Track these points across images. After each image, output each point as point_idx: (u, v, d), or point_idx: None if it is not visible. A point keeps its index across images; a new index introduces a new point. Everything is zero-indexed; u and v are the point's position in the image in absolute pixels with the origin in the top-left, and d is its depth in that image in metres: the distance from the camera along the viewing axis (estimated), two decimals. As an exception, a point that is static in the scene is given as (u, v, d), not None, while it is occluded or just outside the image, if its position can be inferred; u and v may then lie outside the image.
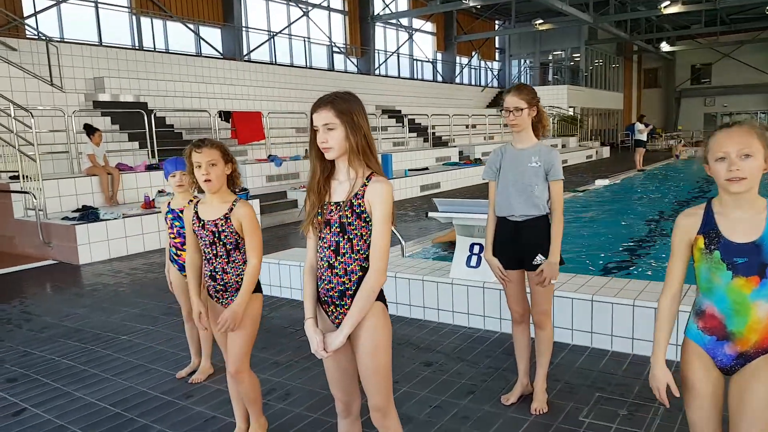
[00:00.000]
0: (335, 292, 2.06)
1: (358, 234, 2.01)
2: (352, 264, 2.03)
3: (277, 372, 3.81)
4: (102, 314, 5.28)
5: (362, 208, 2.00)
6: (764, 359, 1.84)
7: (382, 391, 2.11)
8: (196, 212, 2.71)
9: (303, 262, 5.39)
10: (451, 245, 6.90)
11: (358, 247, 2.02)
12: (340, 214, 2.01)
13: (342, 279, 2.04)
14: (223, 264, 2.66)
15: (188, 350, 4.00)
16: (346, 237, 2.01)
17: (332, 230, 2.03)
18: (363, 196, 1.99)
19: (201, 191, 2.71)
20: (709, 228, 1.87)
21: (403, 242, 5.93)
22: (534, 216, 3.01)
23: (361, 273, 2.03)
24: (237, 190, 2.76)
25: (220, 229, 2.64)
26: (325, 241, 2.05)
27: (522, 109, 2.97)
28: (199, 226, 2.68)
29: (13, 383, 3.82)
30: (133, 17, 15.95)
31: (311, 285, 2.13)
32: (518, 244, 3.06)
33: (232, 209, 2.64)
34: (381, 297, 2.09)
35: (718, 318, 1.88)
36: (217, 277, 2.68)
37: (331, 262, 2.04)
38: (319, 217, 2.05)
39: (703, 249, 1.86)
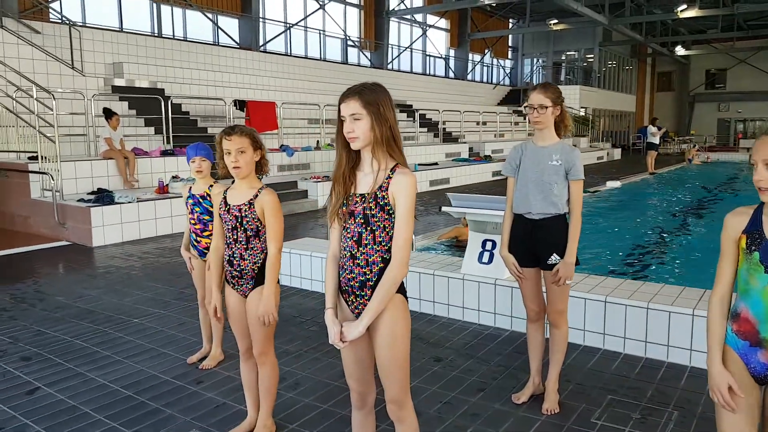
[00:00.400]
0: (356, 282, 2.07)
1: (381, 226, 2.02)
2: (373, 255, 2.04)
3: (287, 361, 3.83)
4: (114, 296, 5.33)
5: (386, 200, 2.00)
6: None
7: (399, 383, 2.11)
8: (225, 197, 2.73)
9: (313, 251, 5.43)
10: (458, 242, 6.95)
11: (381, 239, 2.03)
12: (365, 206, 2.02)
13: (363, 270, 2.05)
14: (242, 250, 2.69)
15: (200, 335, 4.03)
16: (369, 228, 2.02)
17: (356, 221, 2.04)
18: (387, 189, 2.00)
19: (229, 176, 2.73)
20: (753, 228, 1.82)
21: (413, 236, 5.94)
22: (552, 215, 3.01)
23: (382, 264, 2.04)
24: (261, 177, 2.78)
25: (243, 214, 2.67)
26: (348, 231, 2.07)
27: (546, 107, 2.97)
28: (224, 210, 2.71)
29: (27, 362, 3.86)
30: (154, 5, 16.00)
31: (333, 275, 2.14)
32: (534, 242, 3.06)
33: (257, 196, 2.67)
34: (402, 289, 2.10)
35: (752, 322, 1.82)
36: (235, 262, 2.71)
37: (353, 252, 2.06)
38: (344, 208, 2.06)
39: (745, 249, 1.82)
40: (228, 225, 2.71)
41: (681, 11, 22.92)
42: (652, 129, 17.39)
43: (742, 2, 25.00)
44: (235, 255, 2.70)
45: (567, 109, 3.15)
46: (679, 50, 33.75)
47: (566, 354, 3.31)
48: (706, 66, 37.25)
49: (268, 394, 2.87)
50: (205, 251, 3.66)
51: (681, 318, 3.67)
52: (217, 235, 2.80)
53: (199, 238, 3.68)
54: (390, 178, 2.00)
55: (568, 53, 33.32)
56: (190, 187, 3.70)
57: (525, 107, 3.17)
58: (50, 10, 13.40)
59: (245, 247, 2.69)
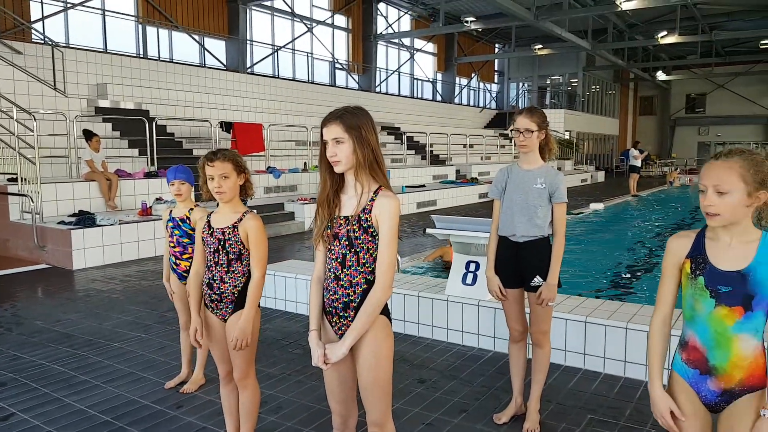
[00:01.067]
0: (339, 304, 2.08)
1: (365, 248, 2.04)
2: (357, 276, 2.05)
3: (270, 384, 3.79)
4: (94, 320, 5.25)
5: (369, 223, 2.02)
6: (749, 399, 1.76)
7: (381, 405, 2.11)
8: (209, 221, 2.72)
9: (298, 274, 5.40)
10: (444, 262, 6.97)
11: (364, 260, 2.04)
12: (348, 228, 2.04)
13: (347, 291, 2.06)
14: (222, 273, 2.67)
15: (180, 360, 3.98)
16: (353, 250, 2.04)
17: (341, 243, 2.06)
18: (371, 211, 2.02)
19: (213, 200, 2.73)
20: (697, 253, 1.81)
21: (399, 258, 5.94)
22: (536, 237, 3.04)
23: (365, 286, 2.05)
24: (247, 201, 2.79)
25: (227, 237, 2.66)
26: (333, 253, 2.09)
27: (532, 132, 3.02)
28: (208, 234, 2.70)
29: (2, 387, 3.78)
30: (139, 26, 16.05)
31: (318, 296, 2.15)
32: (518, 264, 3.09)
33: (241, 219, 2.66)
34: (385, 311, 2.11)
35: (700, 350, 1.80)
36: (214, 285, 2.69)
37: (337, 273, 2.07)
38: (329, 230, 2.08)
39: (689, 274, 1.81)
40: (210, 248, 2.69)
41: (661, 38, 23.47)
42: (634, 152, 17.66)
43: (719, 29, 25.72)
44: (215, 278, 2.68)
45: (552, 133, 3.20)
46: (660, 75, 34.51)
47: (548, 374, 3.31)
48: (686, 91, 38.09)
49: (249, 418, 2.83)
50: (185, 274, 3.63)
51: (661, 338, 3.70)
52: (197, 260, 2.78)
53: (178, 261, 3.66)
54: (373, 200, 2.02)
55: (552, 77, 33.89)
56: (171, 210, 3.68)
57: (511, 130, 3.22)
58: (32, 31, 13.38)
59: (226, 270, 2.66)
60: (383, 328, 2.08)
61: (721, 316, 1.75)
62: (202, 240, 2.73)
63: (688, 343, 1.84)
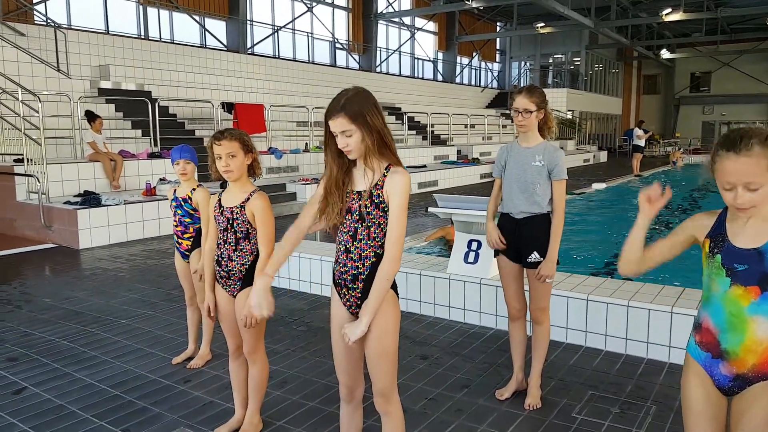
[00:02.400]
0: (348, 276, 2.13)
1: (376, 222, 2.08)
2: (367, 250, 2.10)
3: (275, 360, 3.86)
4: (101, 298, 5.33)
5: (381, 199, 2.07)
6: (764, 386, 1.70)
7: (387, 376, 2.17)
8: (220, 199, 2.76)
9: (302, 252, 5.46)
10: (446, 243, 7.02)
11: (375, 235, 2.09)
12: (360, 203, 2.08)
13: (356, 263, 2.11)
14: (230, 251, 2.72)
15: (186, 336, 4.05)
16: (364, 224, 2.09)
17: (352, 217, 2.10)
18: (382, 187, 2.06)
19: (222, 180, 2.76)
20: (717, 232, 1.76)
21: (401, 238, 5.99)
22: (534, 214, 3.08)
23: (374, 259, 2.10)
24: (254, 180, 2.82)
25: (234, 216, 2.70)
26: (344, 226, 2.13)
27: (531, 112, 3.03)
28: (218, 212, 2.74)
29: (14, 362, 3.87)
30: (140, 7, 15.94)
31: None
32: (517, 240, 3.13)
33: (248, 199, 2.69)
34: (393, 285, 2.16)
35: (713, 332, 1.76)
36: (222, 263, 2.75)
37: (347, 246, 2.12)
38: (341, 204, 2.12)
39: (708, 253, 1.77)
40: (220, 226, 2.75)
41: (666, 15, 23.21)
42: (638, 132, 17.58)
43: (725, 6, 25.40)
44: (223, 256, 2.74)
45: (553, 112, 3.22)
46: (665, 53, 34.14)
47: (549, 351, 3.38)
48: (690, 69, 37.71)
49: (257, 392, 2.91)
50: (187, 253, 3.70)
51: (660, 315, 3.76)
52: (211, 237, 2.84)
53: (180, 240, 3.72)
54: (385, 176, 2.06)
55: (555, 56, 33.60)
56: (175, 190, 3.73)
57: (509, 109, 3.23)
58: (35, 12, 13.31)
59: (234, 248, 2.72)
60: (390, 301, 2.13)
61: (737, 296, 1.70)
62: (214, 218, 2.78)
63: (701, 324, 1.81)
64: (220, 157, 2.65)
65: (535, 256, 3.08)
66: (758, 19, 27.65)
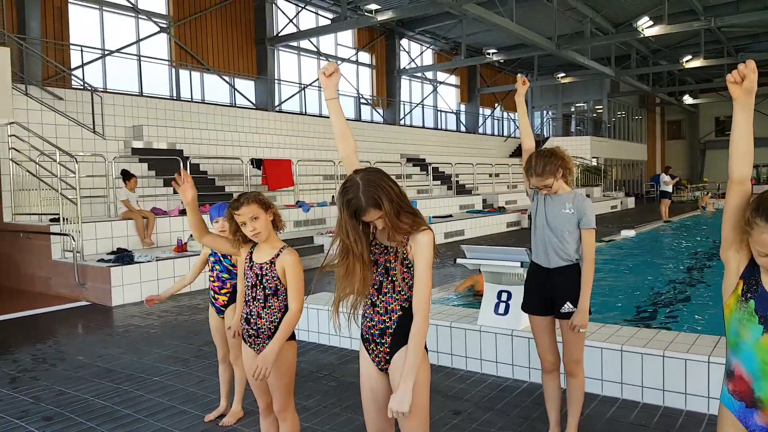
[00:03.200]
0: (376, 330, 2.17)
1: (401, 277, 2.12)
2: (392, 303, 2.13)
3: (306, 417, 3.83)
4: (134, 355, 5.39)
5: (405, 255, 2.11)
6: None
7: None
8: (251, 253, 2.80)
9: (330, 305, 5.46)
10: (475, 292, 6.97)
11: (400, 288, 2.13)
12: (386, 258, 2.13)
13: (383, 317, 2.15)
14: (259, 308, 2.71)
15: (219, 392, 4.06)
16: (389, 278, 2.13)
17: (378, 270, 2.14)
18: (406, 245, 2.11)
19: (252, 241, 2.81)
20: (750, 274, 1.72)
21: (430, 289, 5.97)
22: (565, 264, 3.09)
23: (401, 312, 2.13)
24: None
25: (264, 273, 2.71)
26: (371, 279, 2.16)
27: (551, 186, 3.09)
28: (248, 267, 2.77)
29: (49, 422, 3.91)
30: (173, 69, 16.69)
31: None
32: (549, 291, 3.12)
33: (278, 255, 2.72)
34: None
35: (746, 381, 1.70)
36: (252, 320, 2.73)
37: (373, 300, 2.16)
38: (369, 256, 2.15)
39: (740, 296, 1.72)
40: (249, 282, 2.77)
41: (686, 62, 23.36)
42: (665, 177, 17.44)
43: (746, 51, 25.50)
44: (252, 313, 2.73)
45: (566, 156, 3.19)
46: (687, 99, 34.17)
47: (584, 404, 3.30)
48: (715, 113, 37.58)
49: None
50: (222, 308, 3.75)
51: (697, 365, 3.66)
52: (241, 284, 2.88)
53: (216, 296, 3.77)
54: (409, 236, 2.10)
55: (577, 105, 33.86)
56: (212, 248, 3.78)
57: (529, 184, 3.22)
58: (72, 77, 14.02)
59: (263, 305, 2.70)
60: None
61: None
62: (244, 272, 2.83)
63: (734, 372, 1.75)
64: (245, 224, 2.68)
65: (568, 307, 3.06)
66: (781, 63, 27.64)
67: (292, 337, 2.77)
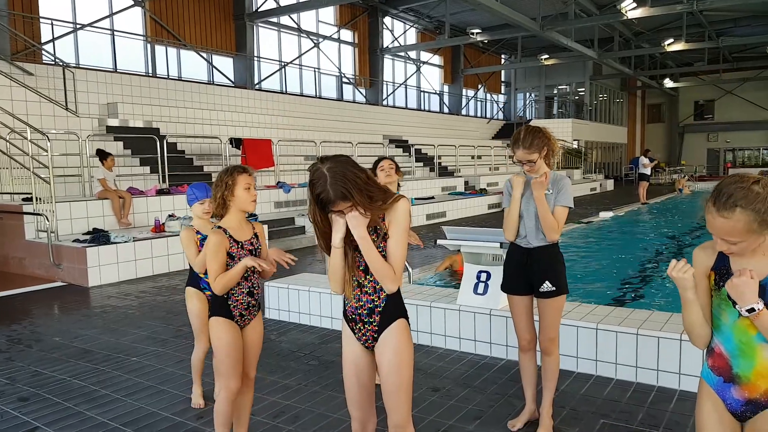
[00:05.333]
0: (364, 310, 2.19)
1: (385, 255, 2.14)
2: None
3: (286, 395, 3.85)
4: (111, 336, 5.34)
5: (385, 230, 2.14)
6: None
7: (404, 408, 2.19)
8: (231, 236, 2.81)
9: (311, 287, 5.50)
10: (453, 272, 7.03)
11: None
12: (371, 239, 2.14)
13: (371, 297, 2.18)
14: (256, 279, 2.89)
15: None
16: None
17: (361, 252, 2.14)
18: (384, 219, 2.14)
19: (219, 216, 2.86)
20: (721, 264, 1.82)
21: (410, 269, 6.00)
22: (545, 243, 3.11)
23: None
24: (247, 215, 2.94)
25: (256, 246, 2.87)
26: (356, 261, 2.18)
27: (534, 162, 3.08)
28: (238, 247, 2.81)
29: (25, 402, 3.87)
30: (148, 45, 16.32)
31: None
32: (528, 271, 3.14)
33: (253, 227, 2.90)
34: (405, 315, 2.22)
35: (725, 357, 1.81)
36: (255, 291, 2.88)
37: (360, 281, 2.18)
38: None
39: (714, 285, 1.82)
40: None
41: (668, 45, 23.49)
42: (643, 160, 17.64)
43: (726, 36, 25.73)
44: (254, 285, 2.88)
45: (552, 137, 3.19)
46: (668, 82, 34.48)
47: (560, 381, 3.36)
48: (694, 97, 38.01)
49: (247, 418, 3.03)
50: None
51: (670, 343, 3.74)
52: (221, 271, 2.82)
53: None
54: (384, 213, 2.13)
55: (559, 87, 33.96)
56: (197, 230, 3.61)
57: (513, 160, 3.23)
58: (43, 52, 13.64)
59: (258, 275, 2.87)
60: (404, 333, 2.18)
61: (746, 325, 1.75)
62: (230, 255, 2.79)
63: (714, 350, 1.86)
64: (249, 187, 2.82)
65: (547, 286, 3.10)
66: (759, 48, 27.99)
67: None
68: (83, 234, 8.35)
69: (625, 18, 19.95)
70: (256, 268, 2.76)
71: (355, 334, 2.23)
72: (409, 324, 2.24)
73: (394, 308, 2.19)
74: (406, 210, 2.12)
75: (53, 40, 14.08)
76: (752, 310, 1.67)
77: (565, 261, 3.24)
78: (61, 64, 12.50)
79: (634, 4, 19.11)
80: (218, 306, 2.83)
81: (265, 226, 9.82)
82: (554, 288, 3.10)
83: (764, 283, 1.73)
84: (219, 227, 2.82)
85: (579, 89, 32.97)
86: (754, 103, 35.34)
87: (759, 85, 34.36)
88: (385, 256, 2.12)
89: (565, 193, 3.09)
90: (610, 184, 26.41)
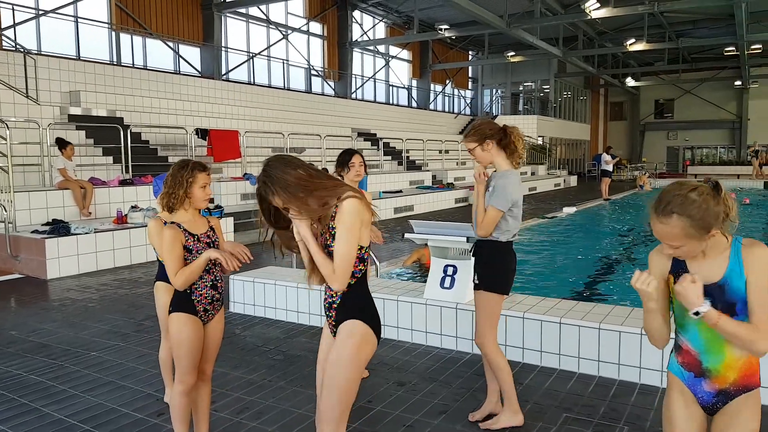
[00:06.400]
0: (326, 303, 2.27)
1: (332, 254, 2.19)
2: None
3: (250, 391, 3.82)
4: (71, 330, 5.20)
5: (336, 230, 2.17)
6: (744, 399, 1.83)
7: (329, 411, 2.14)
8: (185, 230, 2.79)
9: (277, 280, 5.45)
10: (420, 266, 7.07)
11: None
12: (324, 237, 2.20)
13: (331, 292, 2.25)
14: (218, 273, 2.88)
15: (158, 367, 3.96)
16: (331, 257, 2.16)
17: (326, 251, 2.19)
18: (334, 218, 2.17)
19: (169, 209, 2.85)
20: (678, 267, 1.88)
21: (377, 263, 6.00)
22: (486, 239, 3.20)
23: (347, 288, 2.19)
24: (213, 207, 2.96)
25: (213, 239, 2.87)
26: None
27: (473, 149, 3.20)
28: (194, 241, 2.79)
29: (-21, 398, 3.75)
30: (113, 33, 15.87)
31: None
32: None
33: (208, 221, 2.91)
34: (365, 317, 2.21)
35: (693, 354, 1.87)
36: (218, 285, 2.87)
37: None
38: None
39: (674, 287, 1.85)
40: (201, 253, 2.78)
41: (630, 45, 24.01)
42: (606, 157, 18.02)
43: (685, 37, 26.45)
44: (217, 278, 2.87)
45: (510, 134, 3.22)
46: (630, 81, 35.27)
47: (524, 375, 3.46)
48: (655, 96, 38.96)
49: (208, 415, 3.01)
50: None
51: (630, 337, 3.83)
52: (181, 265, 2.80)
53: None
54: (335, 213, 2.15)
55: (525, 84, 34.39)
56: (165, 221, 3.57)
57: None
58: (4, 38, 13.15)
59: (220, 268, 2.87)
60: (351, 333, 2.18)
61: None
62: (187, 248, 2.76)
63: (681, 347, 1.93)
64: (206, 186, 2.84)
65: (474, 279, 3.25)
66: (716, 49, 28.86)
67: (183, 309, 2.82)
68: (42, 225, 8.10)
69: (589, 17, 20.30)
70: (219, 261, 2.73)
71: (328, 324, 2.32)
72: (372, 327, 2.20)
73: (349, 306, 2.19)
74: (350, 210, 2.11)
75: (14, 25, 13.57)
76: (697, 313, 1.75)
77: (510, 262, 3.24)
78: (22, 50, 12.07)
79: (598, 4, 19.46)
80: (181, 301, 2.78)
81: (231, 219, 9.83)
82: (478, 282, 3.21)
83: (721, 283, 1.80)
84: (172, 222, 2.78)
85: (544, 86, 33.45)
86: (712, 103, 36.45)
87: (716, 85, 35.45)
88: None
89: (496, 193, 3.10)
90: (573, 180, 26.91)
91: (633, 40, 24.05)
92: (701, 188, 1.76)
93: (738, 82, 33.60)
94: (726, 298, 1.79)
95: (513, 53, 26.66)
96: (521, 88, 34.58)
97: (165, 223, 2.82)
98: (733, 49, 27.16)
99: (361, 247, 2.17)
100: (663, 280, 1.92)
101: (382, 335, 2.30)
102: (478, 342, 3.25)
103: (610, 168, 18.01)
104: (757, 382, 1.85)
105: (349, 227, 2.10)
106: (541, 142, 28.88)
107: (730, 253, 1.80)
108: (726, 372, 1.83)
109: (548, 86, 33.05)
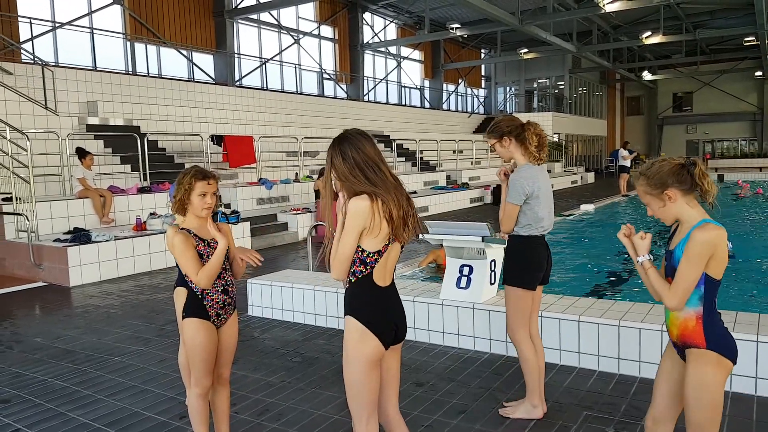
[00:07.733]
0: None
1: None
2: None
3: (270, 393, 3.85)
4: (94, 336, 5.29)
5: None
6: (690, 353, 2.16)
7: (351, 404, 2.27)
8: (195, 235, 2.80)
9: (294, 283, 5.49)
10: (437, 266, 7.07)
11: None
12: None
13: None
14: (230, 277, 2.89)
15: (179, 371, 4.01)
16: None
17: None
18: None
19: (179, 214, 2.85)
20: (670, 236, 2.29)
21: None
22: (511, 235, 3.28)
23: (347, 285, 2.29)
24: (229, 213, 2.97)
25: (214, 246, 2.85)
26: None
27: (493, 145, 3.27)
28: (204, 245, 2.80)
29: (6, 404, 3.82)
30: (128, 43, 16.10)
31: None
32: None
33: (218, 227, 2.85)
34: (356, 314, 2.24)
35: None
36: (230, 289, 2.88)
37: None
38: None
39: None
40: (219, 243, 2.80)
41: (646, 38, 23.72)
42: (623, 152, 17.84)
43: (703, 28, 26.05)
44: (228, 282, 2.87)
45: (530, 131, 3.25)
46: (646, 75, 34.83)
47: (545, 374, 3.41)
48: (672, 89, 38.45)
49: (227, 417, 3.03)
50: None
51: (651, 334, 3.80)
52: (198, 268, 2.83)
53: None
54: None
55: (539, 81, 34.13)
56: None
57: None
58: (22, 51, 13.41)
59: (231, 272, 2.89)
60: (346, 328, 2.26)
61: None
62: (199, 254, 2.78)
63: None
64: (205, 195, 2.75)
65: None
66: (735, 40, 28.40)
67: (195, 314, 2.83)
68: (64, 233, 8.24)
69: (603, 11, 20.06)
70: (233, 259, 2.84)
71: None
72: (364, 323, 2.22)
73: (347, 302, 2.29)
74: (352, 210, 2.19)
75: (32, 39, 13.83)
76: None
77: (533, 256, 3.26)
78: (40, 62, 12.30)
79: (612, -2, 19.27)
80: (194, 306, 2.79)
81: (248, 223, 9.92)
82: (503, 276, 3.31)
83: (672, 250, 2.15)
84: (182, 229, 2.77)
85: (558, 83, 33.17)
86: (732, 95, 35.87)
87: (736, 76, 34.87)
88: None
89: (510, 189, 3.20)
90: (590, 177, 26.67)
91: (649, 33, 23.76)
92: (671, 160, 2.17)
93: (759, 73, 33.00)
94: (671, 263, 2.16)
95: (526, 50, 26.49)
96: (535, 85, 34.32)
97: (177, 230, 2.83)
98: (753, 38, 26.67)
99: (363, 250, 2.21)
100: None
101: (393, 335, 2.30)
102: (509, 334, 3.34)
103: (627, 163, 17.82)
104: (699, 343, 2.13)
105: (349, 226, 2.19)
106: (556, 139, 28.66)
107: (688, 233, 2.12)
108: (671, 327, 2.21)
109: (563, 82, 32.77)
